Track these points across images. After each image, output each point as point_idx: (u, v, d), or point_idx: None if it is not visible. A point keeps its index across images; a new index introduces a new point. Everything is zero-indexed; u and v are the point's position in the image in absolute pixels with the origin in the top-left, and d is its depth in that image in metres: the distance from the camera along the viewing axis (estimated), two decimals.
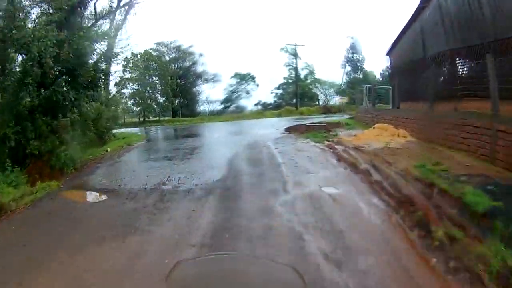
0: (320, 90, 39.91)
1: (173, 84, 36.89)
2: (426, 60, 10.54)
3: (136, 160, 9.48)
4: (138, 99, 36.34)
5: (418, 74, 10.93)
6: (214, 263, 3.39)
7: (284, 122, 18.35)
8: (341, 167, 6.70)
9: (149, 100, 36.76)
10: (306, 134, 11.40)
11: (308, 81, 38.62)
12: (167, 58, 38.17)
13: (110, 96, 16.13)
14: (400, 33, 13.32)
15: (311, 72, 38.78)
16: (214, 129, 17.80)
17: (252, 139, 11.53)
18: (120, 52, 14.22)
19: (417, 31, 11.72)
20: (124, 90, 35.44)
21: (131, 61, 34.58)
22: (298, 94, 35.61)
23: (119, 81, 34.15)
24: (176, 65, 39.45)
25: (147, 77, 36.39)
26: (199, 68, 39.36)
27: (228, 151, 9.21)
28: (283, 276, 3.07)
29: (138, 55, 35.16)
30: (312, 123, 15.35)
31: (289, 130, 13.36)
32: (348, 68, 39.25)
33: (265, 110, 35.51)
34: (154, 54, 36.07)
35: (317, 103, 39.54)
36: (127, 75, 35.11)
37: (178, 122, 31.90)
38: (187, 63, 39.87)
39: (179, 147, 10.79)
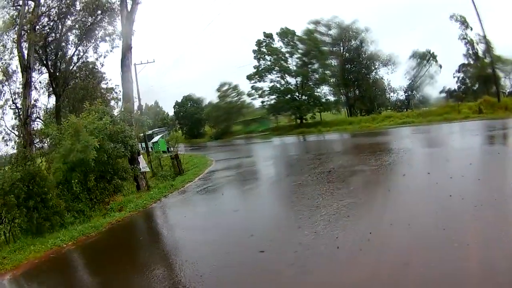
0: (502, 72, 26.08)
1: (336, 70, 28.68)
2: None
3: None
4: (279, 94, 29.62)
5: None
6: None
7: None
8: None
9: (301, 96, 29.19)
10: None
11: (487, 59, 26.12)
12: (326, 39, 30.07)
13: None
14: None
15: (489, 48, 25.76)
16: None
17: None
18: None
19: None
20: (261, 84, 30.47)
21: (264, 43, 29.81)
22: (496, 76, 24.06)
23: (253, 72, 30.14)
24: (341, 47, 30.27)
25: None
26: (370, 48, 29.35)
27: None
28: None
29: (276, 34, 29.48)
30: None
31: None
32: None
33: (455, 101, 25.37)
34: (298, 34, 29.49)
35: (504, 90, 27.06)
36: (262, 63, 30.00)
37: (335, 127, 25.84)
38: (354, 43, 29.84)
39: None
